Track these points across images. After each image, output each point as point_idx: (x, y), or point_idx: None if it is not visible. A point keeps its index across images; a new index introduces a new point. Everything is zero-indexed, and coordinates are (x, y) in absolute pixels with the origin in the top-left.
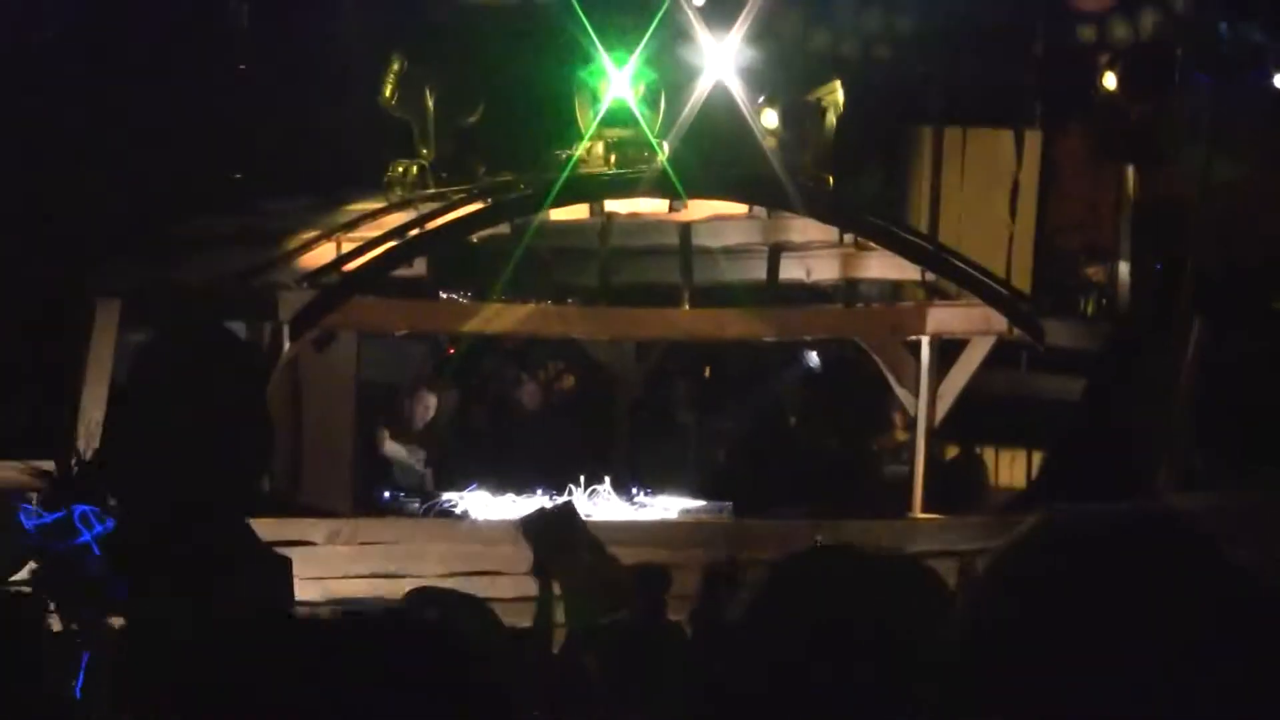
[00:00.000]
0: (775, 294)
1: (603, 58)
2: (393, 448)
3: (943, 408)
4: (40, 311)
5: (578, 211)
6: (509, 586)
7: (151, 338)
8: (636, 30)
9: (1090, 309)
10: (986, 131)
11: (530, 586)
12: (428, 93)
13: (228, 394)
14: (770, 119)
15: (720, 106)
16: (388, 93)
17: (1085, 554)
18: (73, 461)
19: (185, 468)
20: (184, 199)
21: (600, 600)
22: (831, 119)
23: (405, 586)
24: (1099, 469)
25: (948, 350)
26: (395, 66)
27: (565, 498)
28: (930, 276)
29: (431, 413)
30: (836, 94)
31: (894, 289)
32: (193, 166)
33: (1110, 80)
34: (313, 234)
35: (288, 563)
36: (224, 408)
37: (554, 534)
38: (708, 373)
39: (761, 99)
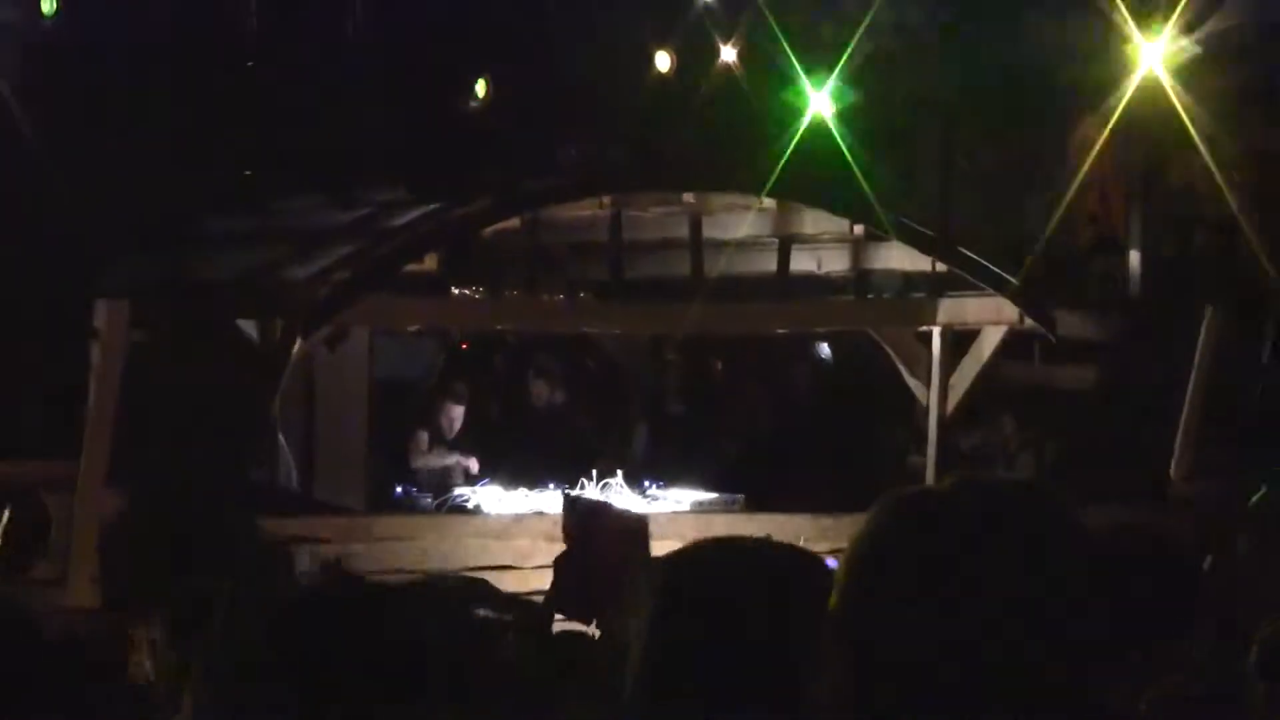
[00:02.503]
0: (786, 286)
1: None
2: (425, 459)
3: (955, 398)
4: (53, 310)
5: (588, 206)
6: (520, 581)
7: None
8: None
9: (1103, 299)
10: (998, 121)
11: (540, 580)
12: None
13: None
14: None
15: (734, 98)
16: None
17: (925, 526)
18: None
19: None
20: (196, 198)
21: None
22: None
23: None
24: (1112, 459)
25: (960, 341)
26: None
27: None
28: (942, 267)
29: (458, 424)
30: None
31: (905, 280)
32: (205, 165)
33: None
34: (325, 230)
35: (288, 552)
36: (222, 404)
37: None
38: (720, 366)
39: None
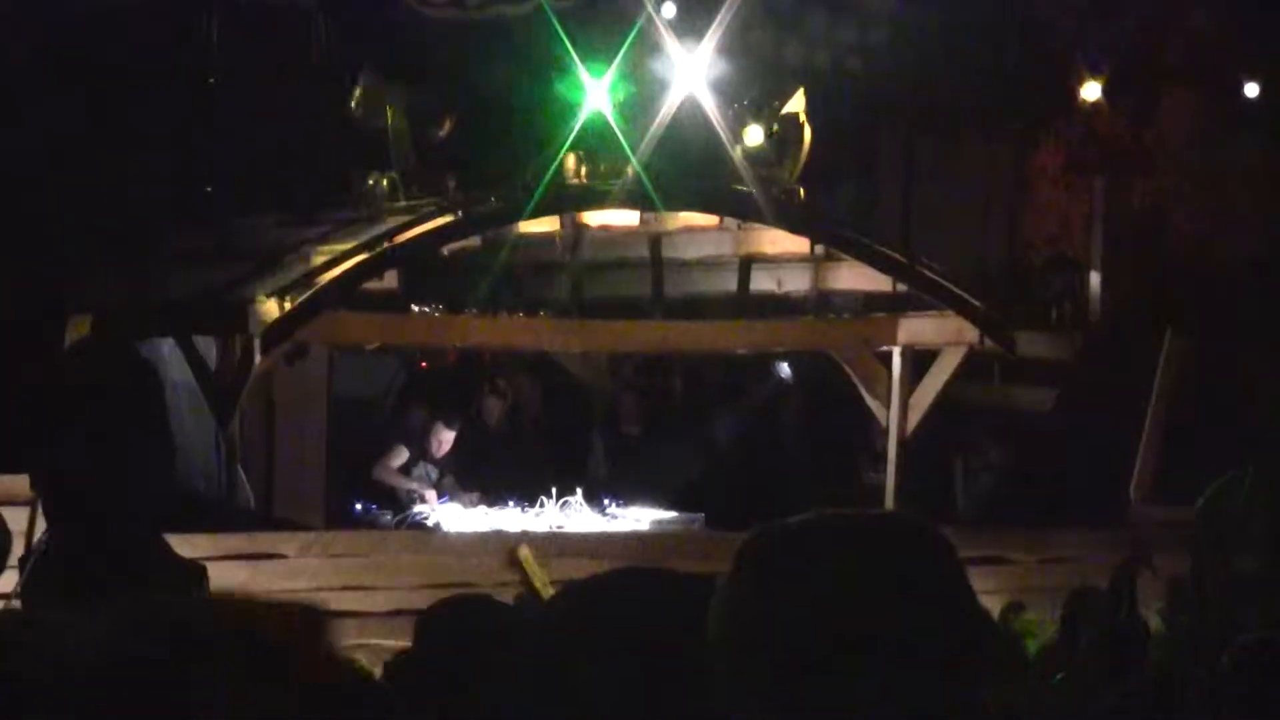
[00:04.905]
0: (746, 306)
1: (579, 70)
2: (395, 476)
3: (915, 418)
4: (13, 327)
5: (548, 224)
6: None
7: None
8: (612, 44)
9: (1062, 320)
10: (958, 142)
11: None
12: (393, 108)
13: (124, 409)
14: (755, 135)
15: (692, 118)
16: (354, 106)
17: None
18: None
19: (89, 478)
20: (158, 215)
21: None
22: (807, 134)
23: (378, 599)
24: (1071, 480)
25: (920, 361)
26: (362, 82)
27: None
28: (902, 287)
29: (446, 447)
30: (800, 103)
31: (865, 300)
32: (166, 182)
33: (1088, 91)
34: (284, 248)
35: (201, 570)
36: (121, 423)
37: None
38: (680, 385)
39: (742, 105)
